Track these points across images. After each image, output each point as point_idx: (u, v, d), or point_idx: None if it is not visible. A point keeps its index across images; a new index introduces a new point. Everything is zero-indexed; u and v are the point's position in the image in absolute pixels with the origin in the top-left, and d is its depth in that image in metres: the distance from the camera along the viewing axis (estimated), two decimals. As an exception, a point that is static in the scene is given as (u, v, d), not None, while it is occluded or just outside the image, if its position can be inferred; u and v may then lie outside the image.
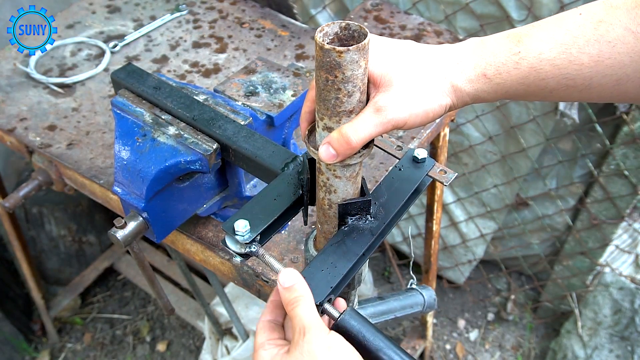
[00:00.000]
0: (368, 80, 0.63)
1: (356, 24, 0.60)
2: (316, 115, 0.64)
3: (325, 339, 0.60)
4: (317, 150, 0.64)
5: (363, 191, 0.73)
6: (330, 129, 0.63)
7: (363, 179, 0.72)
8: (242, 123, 0.86)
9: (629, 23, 0.58)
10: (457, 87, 0.65)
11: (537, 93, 0.65)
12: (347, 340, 0.63)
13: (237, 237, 0.68)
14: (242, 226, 0.69)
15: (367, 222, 0.73)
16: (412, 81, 0.64)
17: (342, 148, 0.63)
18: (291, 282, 0.63)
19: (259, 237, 0.70)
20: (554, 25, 0.62)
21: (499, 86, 0.65)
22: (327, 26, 0.59)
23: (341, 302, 0.70)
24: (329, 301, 0.66)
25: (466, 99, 0.66)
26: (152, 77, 0.96)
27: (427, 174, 0.77)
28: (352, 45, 0.58)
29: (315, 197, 0.74)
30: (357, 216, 0.72)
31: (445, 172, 0.78)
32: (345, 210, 0.72)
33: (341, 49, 0.56)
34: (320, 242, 0.78)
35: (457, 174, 0.79)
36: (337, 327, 0.64)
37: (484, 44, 0.65)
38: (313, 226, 0.94)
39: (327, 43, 0.58)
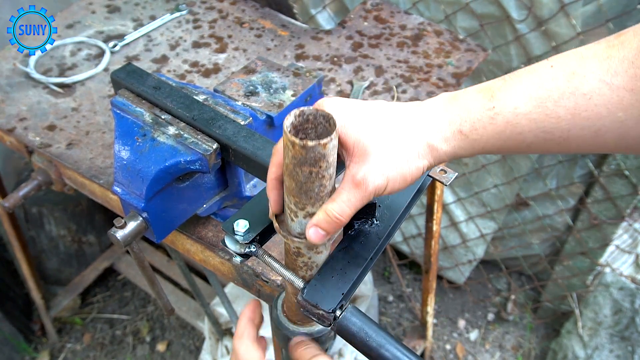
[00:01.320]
0: (339, 148, 0.62)
1: (309, 108, 0.57)
2: (289, 205, 0.61)
3: None
4: (295, 237, 0.63)
5: None
6: (312, 214, 0.61)
7: None
8: (242, 123, 0.86)
9: (603, 75, 0.57)
10: (434, 146, 0.64)
11: (514, 147, 0.63)
12: (349, 338, 0.63)
13: (236, 237, 0.68)
14: (241, 226, 0.68)
15: (373, 225, 0.72)
16: (387, 146, 0.62)
17: (332, 227, 0.61)
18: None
19: (258, 237, 0.69)
20: (526, 78, 0.61)
21: (475, 142, 0.63)
22: (287, 120, 0.56)
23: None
24: (341, 307, 0.65)
25: (443, 157, 0.65)
26: (151, 77, 0.95)
27: (427, 174, 0.77)
28: (307, 127, 0.56)
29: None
30: (362, 219, 0.72)
31: (446, 172, 0.77)
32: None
33: (325, 140, 0.53)
34: (290, 310, 0.76)
35: (457, 173, 0.78)
36: (340, 325, 0.63)
37: (456, 100, 0.64)
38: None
39: (293, 135, 0.54)
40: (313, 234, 0.61)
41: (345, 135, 0.61)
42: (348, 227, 0.71)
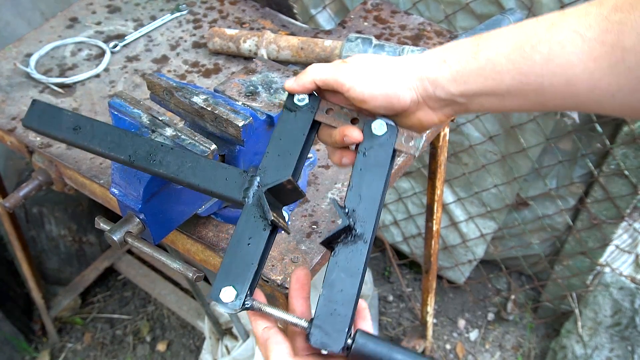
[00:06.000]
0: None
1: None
2: None
3: None
4: None
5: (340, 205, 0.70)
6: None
7: (335, 201, 0.71)
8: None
9: (578, 27, 0.63)
10: (418, 72, 0.70)
11: (494, 89, 0.68)
12: None
13: (228, 307, 0.66)
14: (229, 297, 0.66)
15: (355, 234, 0.70)
16: (374, 67, 0.72)
17: (301, 77, 0.75)
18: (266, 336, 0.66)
19: (249, 293, 0.67)
20: (512, 28, 0.69)
21: (458, 73, 0.69)
22: None
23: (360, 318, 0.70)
24: (350, 336, 0.64)
25: (427, 84, 0.70)
26: (66, 115, 0.82)
27: (394, 148, 0.74)
28: None
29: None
30: (342, 238, 0.70)
31: (412, 139, 0.75)
32: (329, 243, 0.70)
33: None
34: None
35: (424, 136, 0.75)
36: (353, 355, 0.63)
37: (445, 45, 0.72)
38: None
39: None
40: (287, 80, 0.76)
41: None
42: (331, 249, 0.70)
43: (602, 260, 1.93)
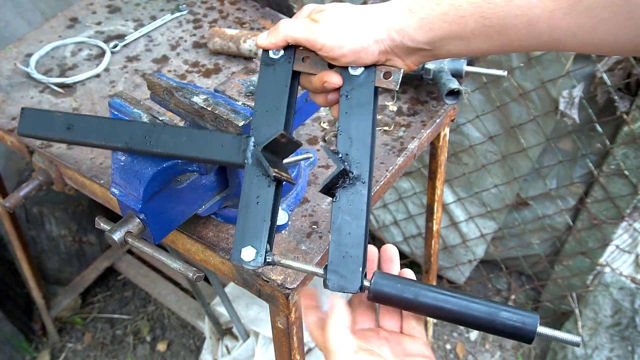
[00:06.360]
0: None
1: None
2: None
3: None
4: None
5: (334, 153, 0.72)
6: None
7: (326, 147, 0.73)
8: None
9: None
10: (385, 23, 0.71)
11: (459, 34, 0.70)
12: (386, 301, 0.66)
13: (251, 265, 0.68)
14: (250, 256, 0.68)
15: (352, 177, 0.72)
16: (343, 22, 0.73)
17: (272, 34, 0.76)
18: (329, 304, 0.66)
19: (268, 248, 0.69)
20: None
21: (423, 21, 0.70)
22: None
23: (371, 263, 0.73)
24: (365, 275, 0.67)
25: (393, 34, 0.72)
26: (56, 116, 0.82)
27: (375, 86, 0.75)
28: None
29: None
30: (340, 183, 0.72)
31: (391, 74, 0.75)
32: (328, 190, 0.71)
33: None
34: None
35: (402, 69, 0.76)
36: (374, 294, 0.66)
37: None
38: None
39: None
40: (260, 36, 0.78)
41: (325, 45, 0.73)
42: (332, 196, 0.72)
43: (602, 260, 1.93)
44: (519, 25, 0.66)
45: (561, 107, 1.69)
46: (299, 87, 0.81)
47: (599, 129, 1.68)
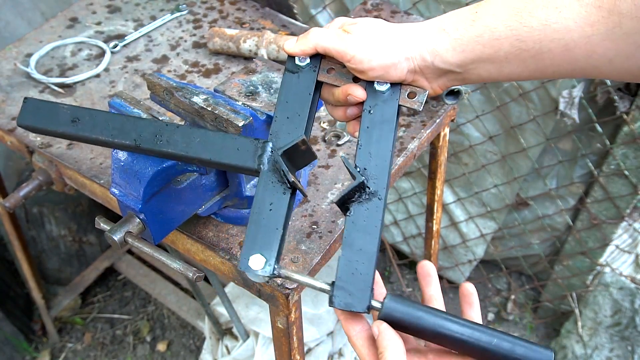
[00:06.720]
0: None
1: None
2: None
3: None
4: None
5: (350, 172, 0.71)
6: None
7: (346, 159, 0.71)
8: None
9: None
10: (418, 42, 0.70)
11: (493, 57, 0.68)
12: (398, 327, 0.61)
13: (259, 275, 0.66)
14: (258, 264, 0.66)
15: (368, 192, 0.70)
16: (375, 37, 0.72)
17: (302, 41, 0.76)
18: (379, 333, 0.62)
19: (276, 259, 0.67)
20: None
21: (456, 42, 0.69)
22: None
23: (378, 286, 0.68)
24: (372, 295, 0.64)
25: (425, 54, 0.71)
26: (62, 108, 0.78)
27: (399, 104, 0.74)
28: None
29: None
30: (356, 197, 0.70)
31: (415, 94, 0.74)
32: (344, 202, 0.70)
33: None
34: None
35: (427, 91, 0.74)
36: (385, 317, 0.61)
37: (445, 14, 0.72)
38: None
39: None
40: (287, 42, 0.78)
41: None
42: (345, 210, 0.70)
43: (602, 260, 1.93)
44: (555, 50, 0.65)
45: (561, 107, 1.68)
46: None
47: (599, 129, 1.68)
